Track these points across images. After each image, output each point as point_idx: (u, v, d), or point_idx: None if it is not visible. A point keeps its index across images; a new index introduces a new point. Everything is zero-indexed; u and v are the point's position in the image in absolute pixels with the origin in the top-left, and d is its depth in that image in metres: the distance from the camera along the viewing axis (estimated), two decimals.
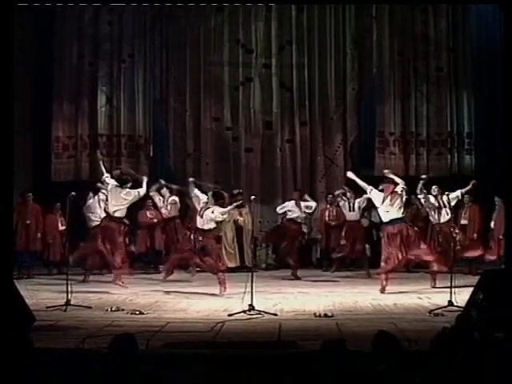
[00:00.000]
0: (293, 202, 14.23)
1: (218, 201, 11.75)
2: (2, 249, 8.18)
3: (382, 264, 11.61)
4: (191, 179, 12.65)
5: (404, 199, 11.60)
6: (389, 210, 11.45)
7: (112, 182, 12.17)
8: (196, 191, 12.08)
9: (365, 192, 12.33)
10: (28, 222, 13.99)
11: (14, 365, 4.63)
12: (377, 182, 12.16)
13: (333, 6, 16.37)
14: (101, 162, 12.56)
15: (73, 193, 10.58)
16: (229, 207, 12.10)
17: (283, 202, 14.81)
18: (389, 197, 11.44)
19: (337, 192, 14.89)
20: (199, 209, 11.70)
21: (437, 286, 11.80)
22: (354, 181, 12.16)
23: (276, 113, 16.50)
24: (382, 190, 11.61)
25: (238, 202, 12.67)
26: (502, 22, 10.02)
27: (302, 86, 16.49)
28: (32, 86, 16.23)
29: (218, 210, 11.61)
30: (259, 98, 16.49)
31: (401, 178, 12.02)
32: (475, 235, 14.08)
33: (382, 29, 16.43)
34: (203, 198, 11.83)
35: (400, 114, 16.48)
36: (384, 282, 11.51)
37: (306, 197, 14.46)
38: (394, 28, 16.45)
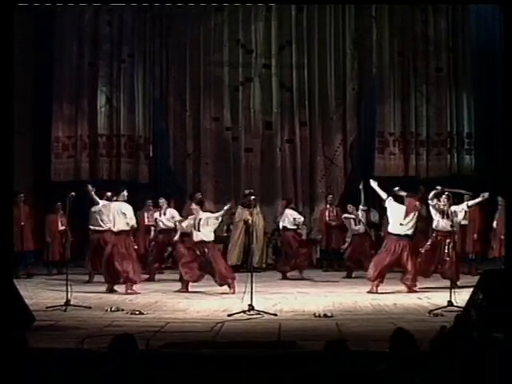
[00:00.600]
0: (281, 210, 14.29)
1: (202, 207, 11.95)
2: (1, 249, 8.17)
3: (370, 269, 11.59)
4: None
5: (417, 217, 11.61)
6: (404, 224, 11.42)
7: (107, 203, 11.96)
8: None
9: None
10: (22, 223, 13.91)
11: (11, 364, 4.63)
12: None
13: (333, 6, 16.38)
14: (93, 193, 12.02)
15: (73, 193, 10.58)
16: (220, 212, 11.99)
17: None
18: (411, 213, 11.42)
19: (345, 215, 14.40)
20: (192, 223, 11.72)
21: (415, 290, 11.44)
22: (373, 189, 12.12)
23: (276, 113, 16.51)
24: (399, 199, 11.55)
25: (228, 206, 12.33)
26: (502, 22, 10.04)
27: (302, 86, 16.50)
28: (32, 86, 16.24)
29: (211, 219, 11.62)
30: (259, 98, 16.50)
31: (400, 178, 11.97)
32: (475, 235, 14.09)
33: (381, 29, 16.44)
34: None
35: (400, 114, 16.48)
36: (374, 288, 11.47)
37: (296, 214, 13.93)
38: (393, 28, 16.45)
